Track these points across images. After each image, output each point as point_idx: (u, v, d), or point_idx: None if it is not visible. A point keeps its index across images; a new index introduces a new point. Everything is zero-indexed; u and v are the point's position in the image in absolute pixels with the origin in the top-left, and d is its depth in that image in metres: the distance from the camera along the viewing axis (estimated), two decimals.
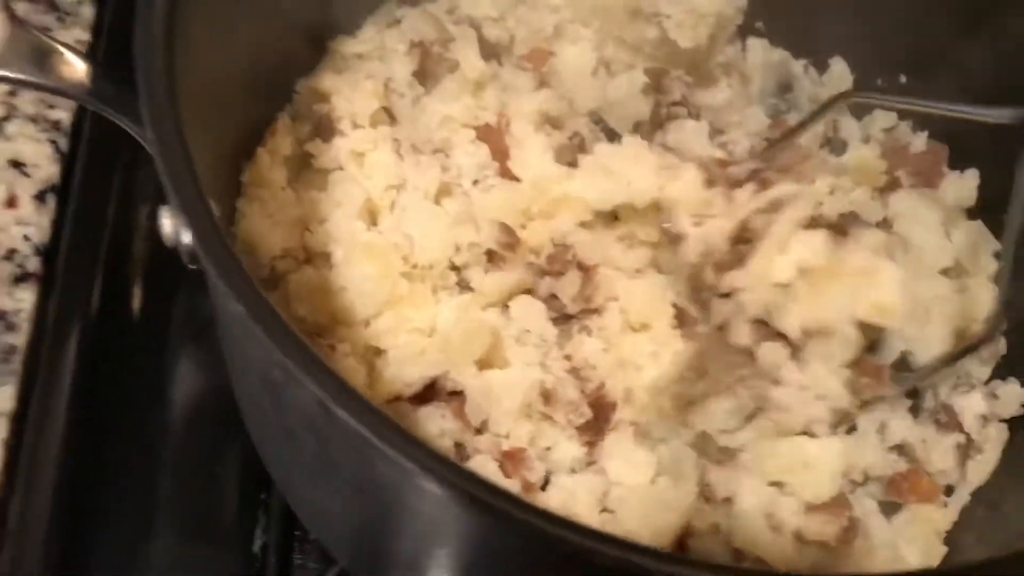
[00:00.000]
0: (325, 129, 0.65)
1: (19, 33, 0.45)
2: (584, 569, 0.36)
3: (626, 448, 0.57)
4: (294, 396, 0.41)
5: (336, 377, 0.37)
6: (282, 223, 0.62)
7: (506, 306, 0.63)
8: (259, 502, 0.67)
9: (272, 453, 0.53)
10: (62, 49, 0.46)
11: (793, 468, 0.59)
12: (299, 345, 0.37)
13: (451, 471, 0.35)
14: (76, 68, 0.47)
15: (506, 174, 0.67)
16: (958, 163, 0.72)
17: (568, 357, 0.61)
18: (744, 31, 0.76)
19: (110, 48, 0.79)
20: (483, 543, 0.40)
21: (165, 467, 0.68)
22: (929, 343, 0.65)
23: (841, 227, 0.61)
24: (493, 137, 0.67)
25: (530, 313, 0.61)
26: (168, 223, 0.47)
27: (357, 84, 0.66)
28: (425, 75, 0.70)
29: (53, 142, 0.78)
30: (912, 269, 0.66)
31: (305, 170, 0.67)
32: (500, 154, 0.67)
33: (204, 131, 0.44)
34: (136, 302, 0.74)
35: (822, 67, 0.77)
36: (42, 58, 0.46)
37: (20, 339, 0.70)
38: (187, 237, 0.47)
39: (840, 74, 0.76)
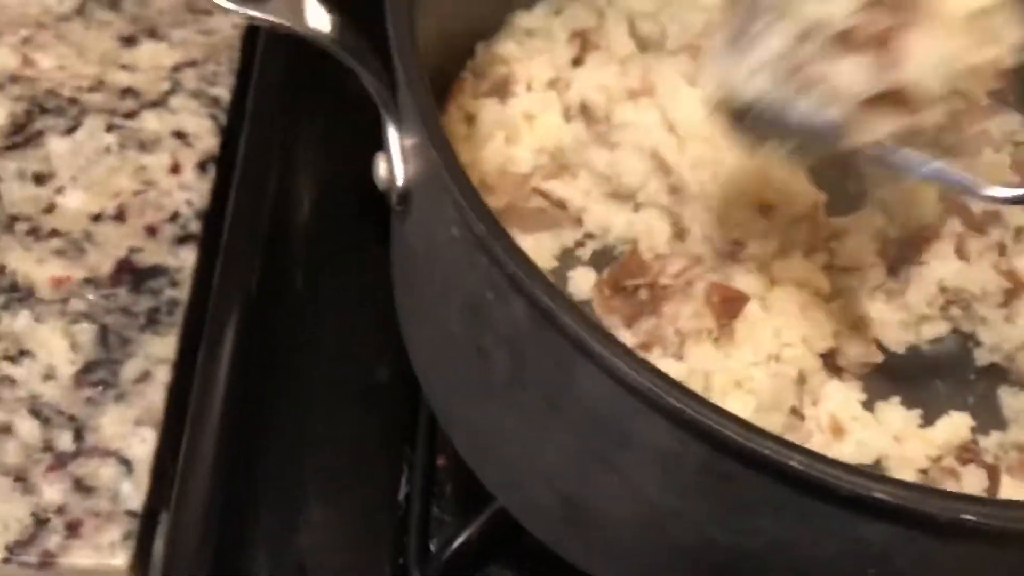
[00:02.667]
0: (502, 89, 0.71)
1: None
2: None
3: None
4: (504, 311, 0.46)
5: (560, 291, 0.42)
6: None
7: None
8: (404, 455, 0.72)
9: (449, 385, 0.58)
10: (314, 2, 0.52)
11: None
12: (527, 259, 0.42)
13: (666, 380, 0.40)
14: (323, 18, 0.52)
15: None
16: None
17: None
18: None
19: None
20: (674, 458, 0.44)
21: (318, 423, 0.73)
22: None
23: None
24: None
25: None
26: (383, 166, 0.53)
27: (533, 53, 0.73)
28: (583, 62, 0.75)
29: (213, 116, 0.84)
30: None
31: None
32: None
33: None
34: (296, 270, 0.80)
35: None
36: (296, 6, 0.51)
37: (182, 294, 0.75)
38: (401, 179, 0.53)
39: None
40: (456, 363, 0.55)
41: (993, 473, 0.60)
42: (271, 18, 0.50)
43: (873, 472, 0.40)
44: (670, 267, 0.68)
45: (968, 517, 0.38)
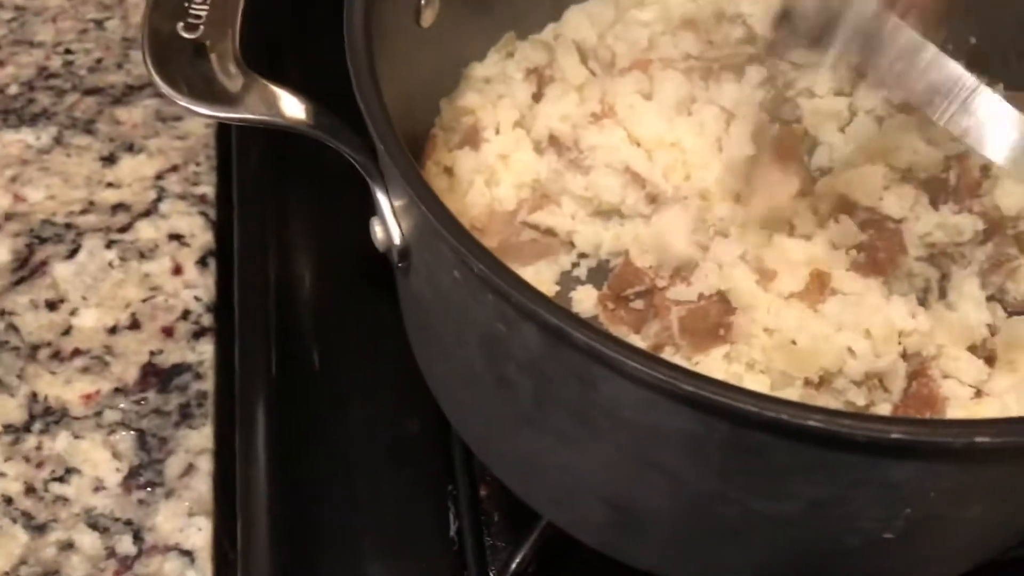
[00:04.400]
0: (472, 138, 0.75)
1: (250, 82, 0.54)
2: None
3: None
4: (519, 340, 0.49)
5: (566, 309, 0.45)
6: None
7: None
8: (447, 494, 0.75)
9: (481, 420, 0.61)
10: (285, 92, 0.55)
11: None
12: (528, 286, 0.45)
13: (684, 372, 0.43)
14: (298, 107, 0.55)
15: None
16: None
17: None
18: None
19: None
20: (703, 446, 0.47)
21: (361, 483, 0.76)
22: None
23: None
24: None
25: None
26: (379, 229, 0.57)
27: (495, 98, 0.77)
28: (542, 97, 0.79)
29: (203, 213, 0.87)
30: None
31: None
32: None
33: None
34: (310, 342, 0.83)
35: None
36: (271, 101, 0.55)
37: (208, 385, 0.78)
38: (398, 238, 0.56)
39: None
40: (483, 398, 0.58)
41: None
42: (251, 116, 0.53)
43: (887, 416, 0.42)
44: (664, 269, 0.71)
45: (982, 439, 0.41)
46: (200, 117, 0.53)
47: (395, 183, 0.55)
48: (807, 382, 0.64)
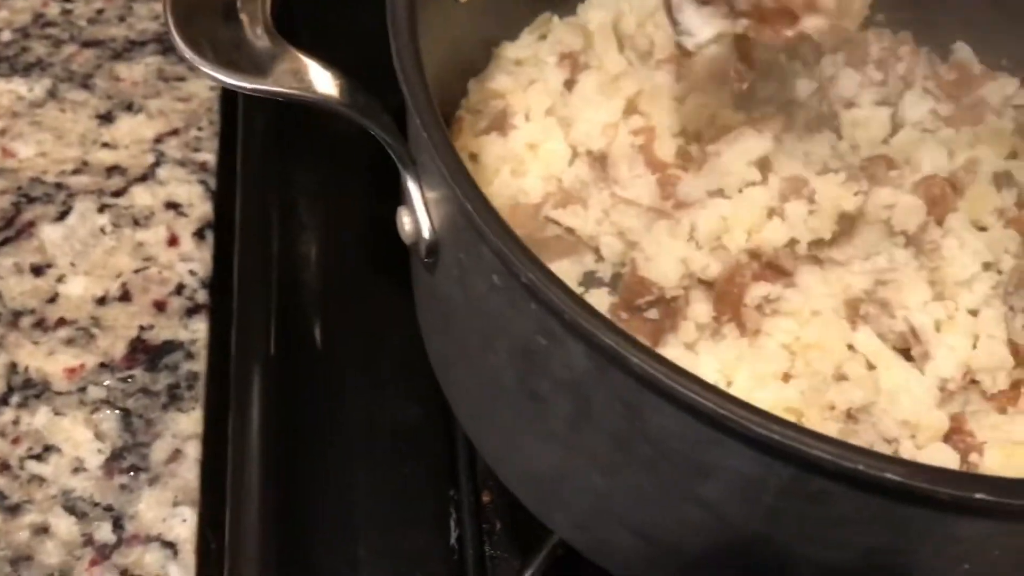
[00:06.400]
0: (501, 123, 0.70)
1: (280, 51, 0.49)
2: None
3: None
4: (561, 356, 0.45)
5: (623, 330, 0.41)
6: None
7: None
8: (448, 499, 0.71)
9: (502, 434, 0.57)
10: (317, 64, 0.50)
11: None
12: (583, 302, 0.41)
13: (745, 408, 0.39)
14: (330, 82, 0.50)
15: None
16: None
17: None
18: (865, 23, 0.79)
19: None
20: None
21: (359, 477, 0.72)
22: None
23: None
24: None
25: None
26: (408, 220, 0.52)
27: (526, 83, 0.72)
28: (574, 83, 0.74)
29: (202, 182, 0.82)
30: None
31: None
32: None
33: None
34: (312, 326, 0.79)
35: (944, 53, 0.80)
36: (302, 73, 0.50)
37: (200, 366, 0.74)
38: (427, 231, 0.52)
39: (965, 59, 0.79)
40: (508, 411, 0.54)
41: None
42: (279, 89, 0.49)
43: (970, 473, 0.39)
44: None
45: None
46: (229, 86, 0.47)
47: (432, 174, 0.50)
48: (848, 415, 0.60)
